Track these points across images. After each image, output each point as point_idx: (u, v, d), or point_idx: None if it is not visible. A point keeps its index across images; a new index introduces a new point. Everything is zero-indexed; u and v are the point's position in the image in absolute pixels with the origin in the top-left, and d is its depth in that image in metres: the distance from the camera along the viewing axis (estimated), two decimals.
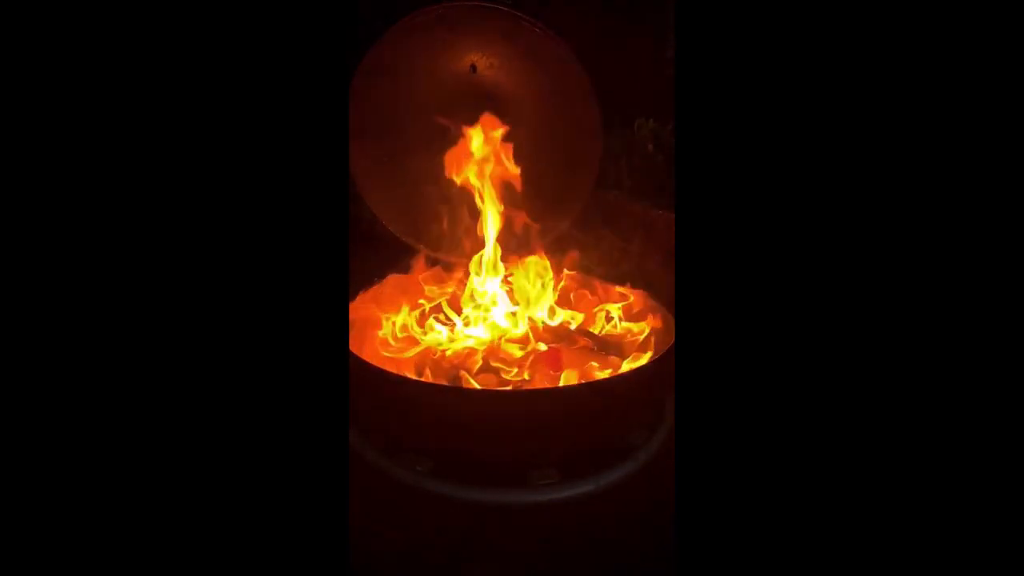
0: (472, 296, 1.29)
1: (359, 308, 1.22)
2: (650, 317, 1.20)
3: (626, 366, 1.10)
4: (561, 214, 1.44)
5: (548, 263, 1.29)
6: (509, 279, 1.31)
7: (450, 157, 1.32)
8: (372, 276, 1.28)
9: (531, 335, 1.17)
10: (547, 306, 1.26)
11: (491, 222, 1.32)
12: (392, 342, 1.18)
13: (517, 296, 1.28)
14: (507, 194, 1.33)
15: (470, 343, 1.19)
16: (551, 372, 1.09)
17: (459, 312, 1.29)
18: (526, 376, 1.09)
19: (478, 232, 1.33)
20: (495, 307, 1.28)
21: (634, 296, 1.26)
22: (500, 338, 1.19)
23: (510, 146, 1.30)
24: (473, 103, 1.41)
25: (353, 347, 1.04)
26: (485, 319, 1.26)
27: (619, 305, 1.25)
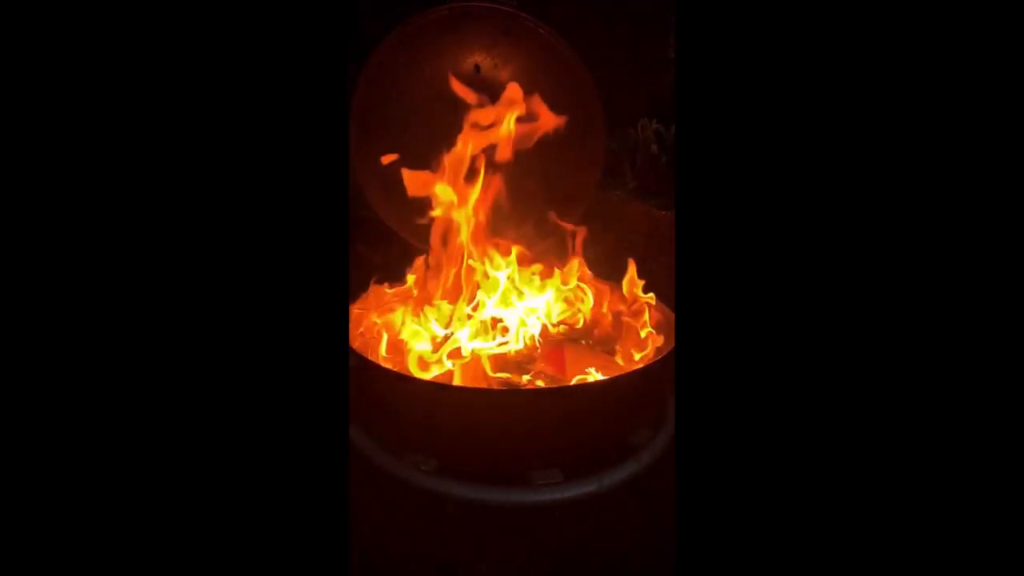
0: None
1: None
2: (652, 317, 1.20)
3: (629, 366, 1.09)
4: (564, 214, 1.43)
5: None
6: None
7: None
8: (372, 276, 1.28)
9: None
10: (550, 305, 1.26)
11: None
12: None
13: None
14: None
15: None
16: (553, 371, 1.09)
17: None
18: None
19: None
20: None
21: (637, 296, 1.26)
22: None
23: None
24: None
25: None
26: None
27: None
